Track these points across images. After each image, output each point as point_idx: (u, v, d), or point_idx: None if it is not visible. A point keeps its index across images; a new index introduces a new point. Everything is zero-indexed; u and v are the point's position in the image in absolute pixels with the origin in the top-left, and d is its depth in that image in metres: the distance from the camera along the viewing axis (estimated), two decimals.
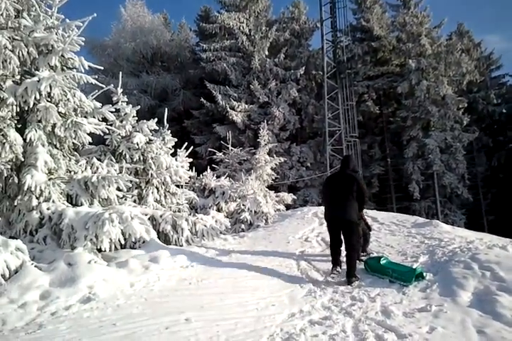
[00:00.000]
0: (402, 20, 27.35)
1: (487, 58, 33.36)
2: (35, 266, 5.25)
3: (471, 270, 5.32)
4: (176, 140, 9.88)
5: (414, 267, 5.74)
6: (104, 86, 8.10)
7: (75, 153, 7.97)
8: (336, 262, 6.08)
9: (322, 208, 12.10)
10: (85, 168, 7.54)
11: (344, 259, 6.03)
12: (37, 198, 6.49)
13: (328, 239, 8.17)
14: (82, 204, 6.80)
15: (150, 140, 8.94)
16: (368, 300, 4.91)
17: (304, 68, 26.38)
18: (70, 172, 7.35)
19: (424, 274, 5.49)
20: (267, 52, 26.57)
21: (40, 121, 6.85)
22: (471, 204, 28.03)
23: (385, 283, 5.51)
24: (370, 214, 10.52)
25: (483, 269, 5.27)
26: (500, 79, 34.21)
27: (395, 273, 5.51)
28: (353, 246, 6.01)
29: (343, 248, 6.11)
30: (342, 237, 6.09)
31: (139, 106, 9.34)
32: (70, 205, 6.65)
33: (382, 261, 5.90)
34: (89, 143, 8.19)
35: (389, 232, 8.64)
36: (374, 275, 5.84)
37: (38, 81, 6.56)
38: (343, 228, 6.05)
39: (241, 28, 26.57)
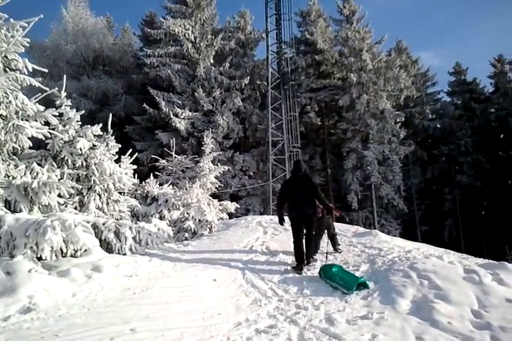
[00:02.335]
0: (345, 35, 28.19)
1: (423, 75, 35.08)
2: None
3: (409, 278, 5.52)
4: (120, 146, 9.68)
5: (358, 276, 5.91)
6: (47, 89, 7.84)
7: (14, 157, 7.64)
8: (300, 260, 6.87)
9: (266, 217, 12.40)
10: (24, 173, 7.24)
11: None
12: None
13: (272, 248, 8.50)
14: (21, 211, 6.53)
15: (94, 145, 8.68)
16: (312, 308, 5.00)
17: (248, 78, 26.65)
18: (9, 177, 7.04)
19: (368, 283, 5.64)
20: (212, 61, 26.65)
21: None
22: (406, 215, 29.17)
23: (328, 291, 5.64)
24: None
25: (421, 278, 5.48)
26: (435, 95, 36.14)
27: (341, 280, 5.66)
28: (312, 233, 7.15)
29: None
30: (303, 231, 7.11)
31: (83, 111, 9.08)
32: (8, 211, 6.37)
33: (334, 269, 6.07)
34: (29, 148, 7.90)
35: None
36: (326, 281, 5.96)
37: None
38: (304, 222, 7.02)
39: (186, 35, 26.49)
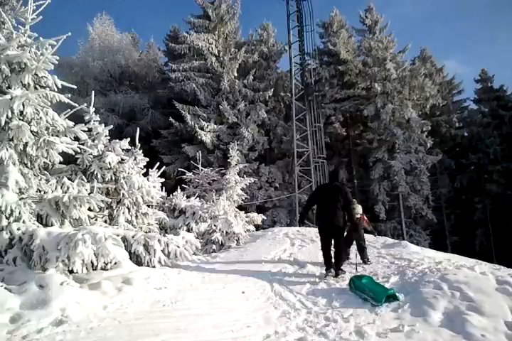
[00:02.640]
0: (368, 44, 28.07)
1: (449, 83, 34.62)
2: (5, 288, 5.11)
3: (441, 290, 5.42)
4: (148, 159, 9.83)
5: (388, 288, 5.83)
6: (76, 105, 8.03)
7: (45, 172, 7.83)
8: (328, 265, 6.96)
9: (293, 228, 12.38)
10: (55, 188, 7.41)
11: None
12: (7, 218, 6.34)
13: (300, 259, 8.47)
14: (52, 225, 6.68)
15: (122, 159, 8.85)
16: (341, 320, 4.94)
17: (272, 90, 26.67)
18: (41, 191, 7.21)
19: (398, 295, 5.55)
20: (236, 74, 26.77)
21: (11, 140, 6.73)
22: (435, 225, 28.63)
23: (358, 303, 5.56)
24: None
25: (453, 289, 5.37)
26: (462, 103, 35.59)
27: (371, 292, 5.59)
28: (341, 247, 7.11)
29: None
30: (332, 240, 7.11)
31: (111, 126, 9.26)
32: (40, 225, 6.52)
33: (364, 280, 6.01)
34: (60, 163, 8.08)
35: None
36: (356, 293, 5.89)
37: (11, 99, 6.49)
38: (332, 232, 7.03)
39: (210, 49, 26.72)
